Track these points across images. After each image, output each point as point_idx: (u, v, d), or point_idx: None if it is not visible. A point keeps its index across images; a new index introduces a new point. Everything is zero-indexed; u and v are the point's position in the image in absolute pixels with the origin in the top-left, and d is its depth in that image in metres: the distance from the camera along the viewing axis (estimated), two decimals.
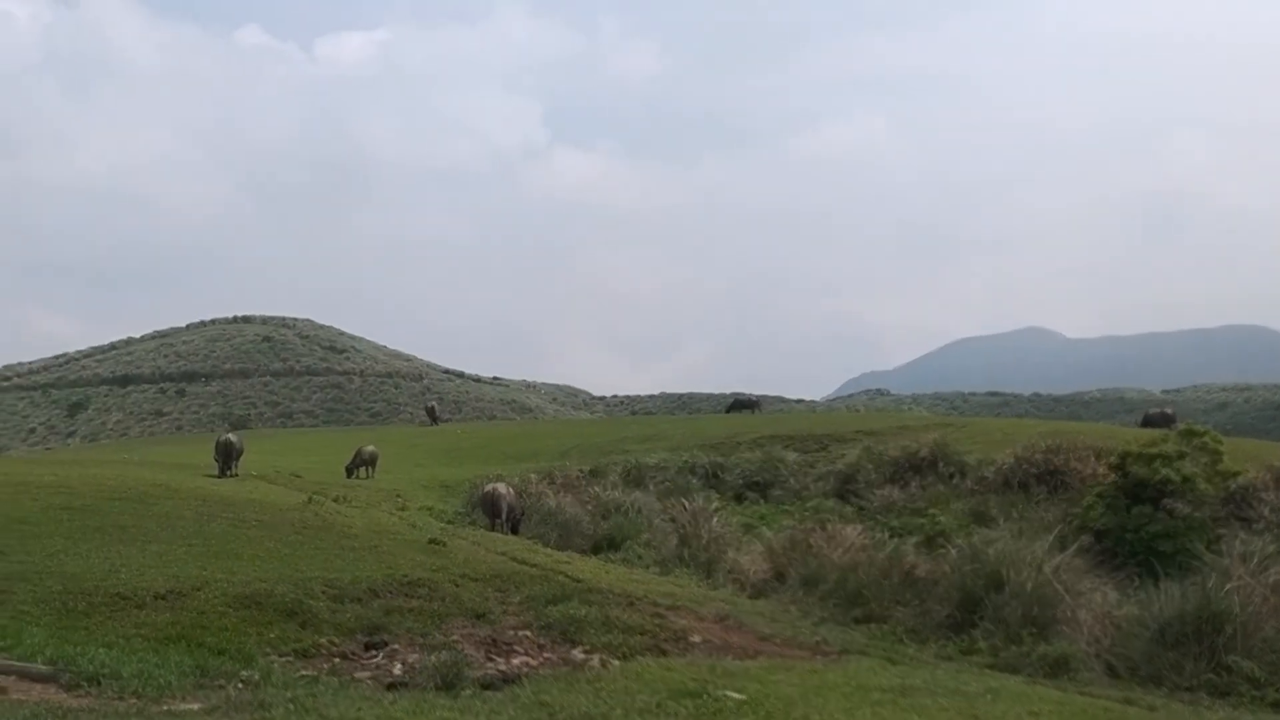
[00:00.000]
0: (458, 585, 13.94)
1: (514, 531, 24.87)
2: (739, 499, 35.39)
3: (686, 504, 25.22)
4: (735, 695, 8.05)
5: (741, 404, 64.59)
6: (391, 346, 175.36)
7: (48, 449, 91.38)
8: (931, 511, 30.68)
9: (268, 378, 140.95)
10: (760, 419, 54.86)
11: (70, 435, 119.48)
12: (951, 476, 33.60)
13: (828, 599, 17.71)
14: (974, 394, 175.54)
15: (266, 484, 30.75)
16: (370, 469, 36.82)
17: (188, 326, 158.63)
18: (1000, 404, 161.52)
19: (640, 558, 23.13)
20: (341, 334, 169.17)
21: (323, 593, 12.51)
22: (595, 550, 24.35)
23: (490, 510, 25.01)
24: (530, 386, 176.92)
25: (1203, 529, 26.76)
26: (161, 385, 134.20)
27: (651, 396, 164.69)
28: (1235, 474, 27.57)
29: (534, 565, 17.05)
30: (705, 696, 7.99)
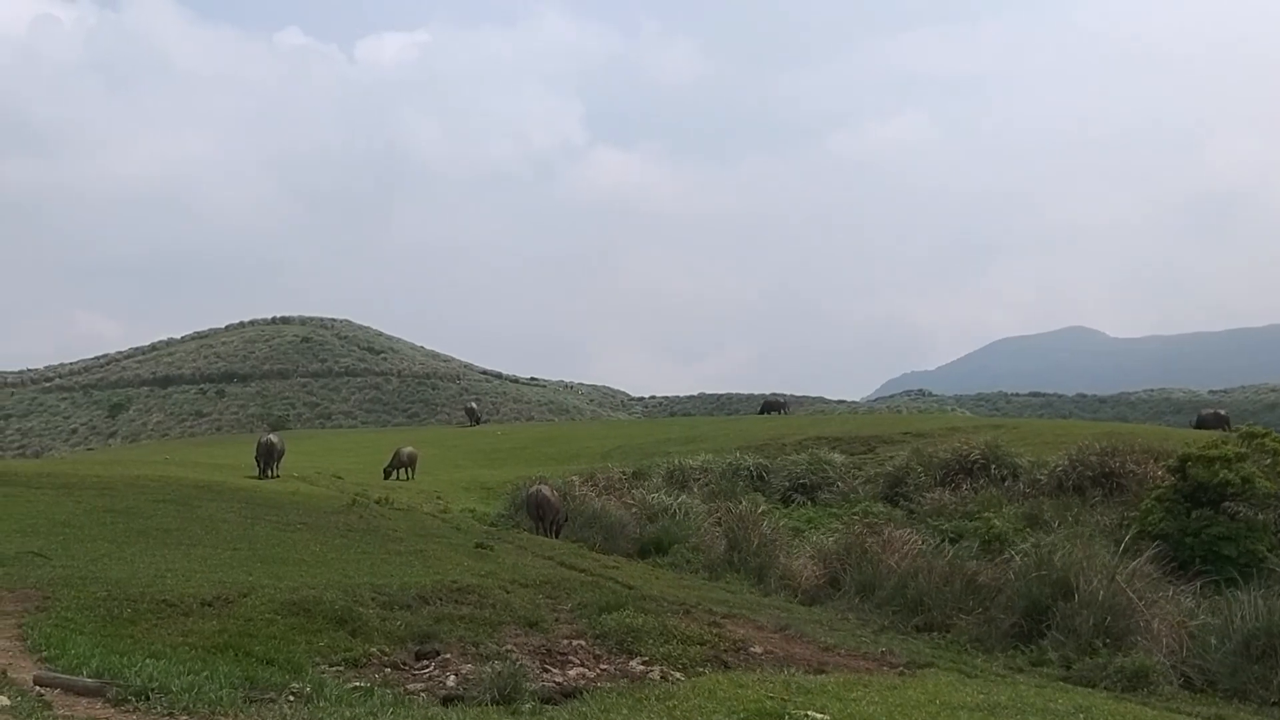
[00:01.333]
0: (508, 592, 13.50)
1: (556, 535, 24.48)
2: (786, 502, 34.85)
3: (733, 507, 24.65)
4: (819, 716, 7.53)
5: (771, 405, 64.14)
6: (429, 347, 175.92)
7: (89, 449, 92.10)
8: (985, 515, 30.06)
9: (306, 378, 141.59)
10: (805, 420, 54.31)
11: (111, 436, 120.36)
12: (1004, 479, 32.87)
13: (885, 606, 17.17)
14: (1017, 395, 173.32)
15: (308, 485, 30.58)
16: (409, 470, 36.59)
17: (227, 327, 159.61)
18: (1043, 405, 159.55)
19: (688, 562, 22.67)
20: (379, 335, 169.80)
21: (372, 599, 12.09)
22: (641, 554, 23.91)
23: (535, 513, 24.60)
24: (568, 387, 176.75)
25: (1265, 532, 26.03)
26: (201, 386, 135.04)
27: (690, 398, 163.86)
28: None
29: (583, 570, 16.63)
30: (787, 718, 7.47)
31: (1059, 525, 27.99)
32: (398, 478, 35.73)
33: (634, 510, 27.41)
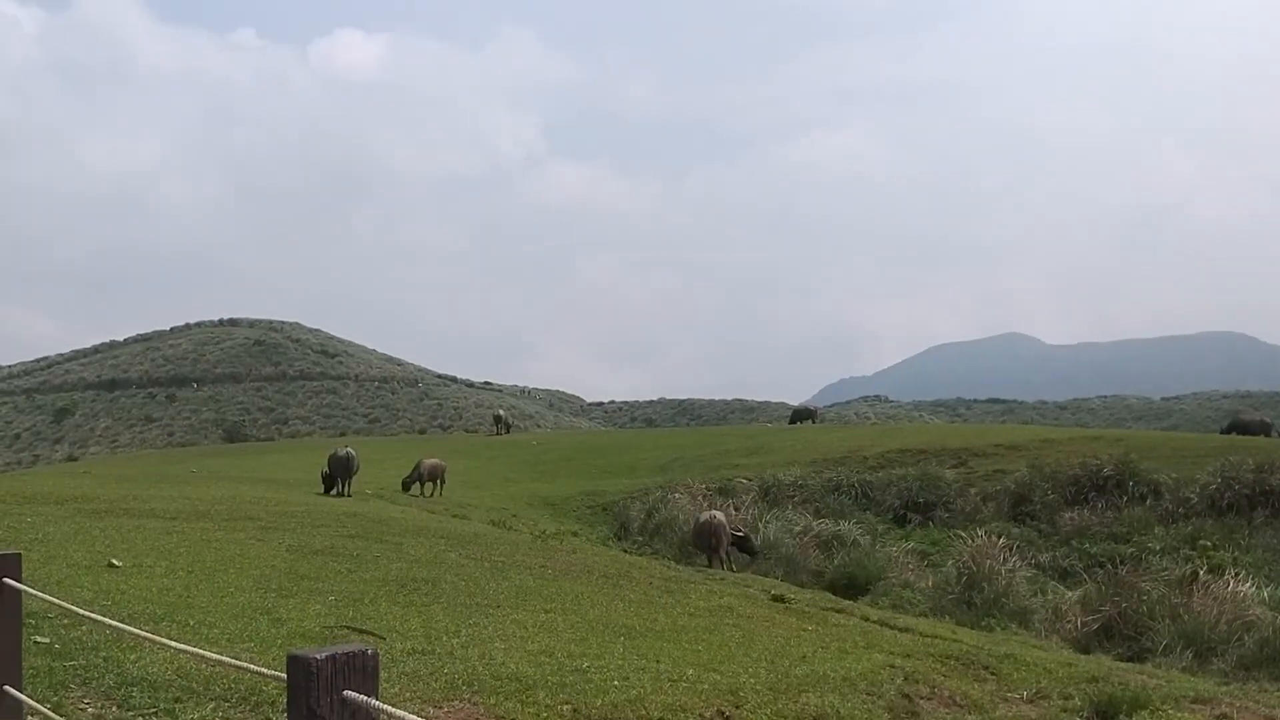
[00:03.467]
0: (944, 678, 10.32)
1: (728, 565, 21.38)
2: (900, 522, 32.06)
3: (970, 537, 21.66)
4: None
5: (802, 414, 61.85)
6: (382, 351, 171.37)
7: (61, 463, 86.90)
8: (1139, 538, 27.52)
9: (260, 383, 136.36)
10: (875, 430, 52.00)
11: (58, 442, 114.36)
12: (1143, 497, 30.31)
13: (1258, 669, 14.21)
14: (976, 400, 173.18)
15: (394, 505, 27.16)
16: (437, 485, 32.89)
17: (173, 330, 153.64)
18: (1005, 411, 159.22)
19: (909, 603, 19.64)
20: (332, 338, 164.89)
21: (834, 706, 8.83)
22: (834, 590, 20.85)
23: (708, 542, 21.42)
24: (524, 392, 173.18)
25: None
26: (150, 390, 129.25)
27: (651, 403, 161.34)
28: None
29: (908, 630, 13.49)
30: None
31: (1228, 549, 25.71)
32: (424, 493, 31.94)
33: (804, 538, 24.31)
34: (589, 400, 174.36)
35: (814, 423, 58.64)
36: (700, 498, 31.77)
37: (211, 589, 10.61)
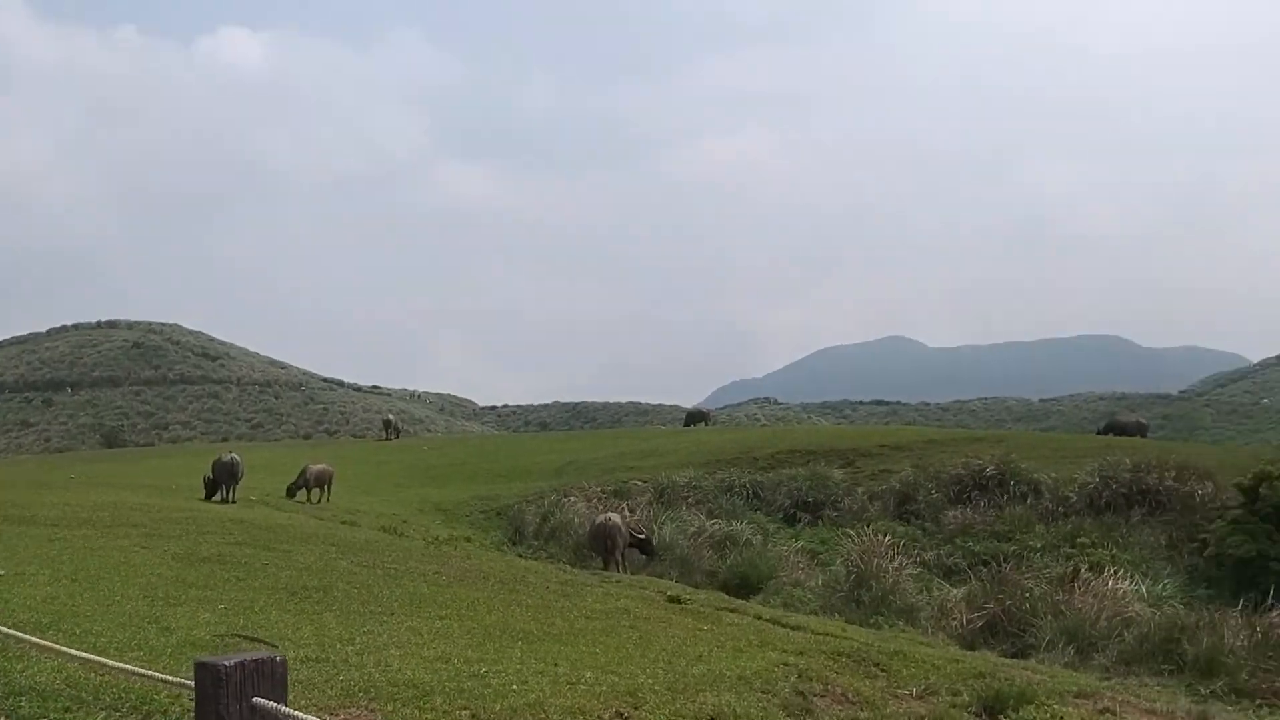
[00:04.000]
0: (837, 675, 10.49)
1: (622, 568, 21.42)
2: (790, 521, 32.50)
3: (859, 536, 22.01)
4: None
5: (696, 417, 62.31)
6: (264, 354, 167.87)
7: None
8: (1020, 536, 28.28)
9: (139, 386, 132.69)
10: (766, 433, 52.56)
11: None
12: (1024, 496, 31.14)
13: (1140, 664, 14.69)
14: (861, 402, 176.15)
15: (281, 512, 26.64)
16: (323, 491, 32.20)
17: (50, 332, 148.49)
18: (889, 413, 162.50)
19: (804, 602, 19.91)
20: (213, 341, 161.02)
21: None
22: (727, 590, 21.02)
23: (604, 545, 21.43)
24: (414, 396, 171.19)
25: None
26: (26, 394, 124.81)
27: (545, 406, 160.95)
28: None
29: (801, 629, 13.68)
30: None
31: (1106, 546, 26.53)
32: (310, 500, 31.24)
33: (699, 539, 24.48)
34: (482, 404, 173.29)
35: (707, 425, 59.12)
36: (595, 501, 31.82)
37: (97, 597, 10.31)
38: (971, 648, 17.20)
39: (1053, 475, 31.68)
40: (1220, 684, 13.49)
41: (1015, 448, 35.24)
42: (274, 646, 8.90)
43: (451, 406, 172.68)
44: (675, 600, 14.25)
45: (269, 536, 16.67)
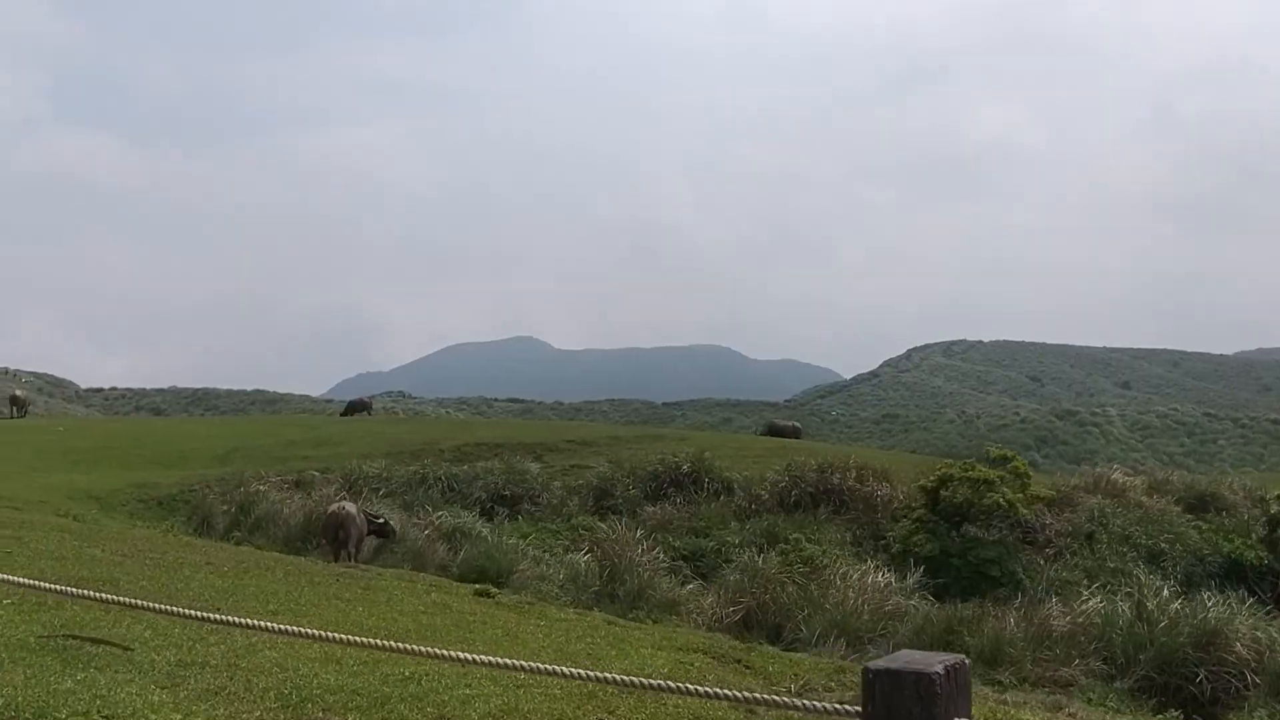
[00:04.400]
0: (730, 676, 9.95)
1: (355, 557, 19.95)
2: (487, 515, 31.62)
3: (608, 530, 21.46)
4: None
5: (357, 406, 60.06)
6: None
7: None
8: (718, 531, 28.92)
9: None
10: (450, 424, 51.27)
11: None
12: (718, 493, 31.95)
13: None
14: (497, 399, 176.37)
15: None
16: None
17: None
18: (524, 410, 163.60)
19: (553, 596, 19.20)
20: None
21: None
22: (465, 583, 20.00)
23: (335, 536, 19.80)
24: (7, 373, 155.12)
25: (1016, 552, 27.14)
26: None
27: (160, 390, 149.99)
28: (1043, 498, 28.15)
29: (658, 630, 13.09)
30: None
31: (805, 543, 27.60)
32: None
33: (427, 532, 23.16)
34: (84, 386, 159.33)
35: (369, 414, 57.10)
36: (282, 489, 29.70)
37: None
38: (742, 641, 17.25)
39: (744, 474, 32.69)
40: (1007, 673, 14.11)
41: (703, 446, 36.08)
42: (129, 649, 7.32)
43: (50, 387, 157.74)
44: (485, 595, 13.22)
45: None
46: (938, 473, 27.92)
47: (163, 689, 6.23)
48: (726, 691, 4.33)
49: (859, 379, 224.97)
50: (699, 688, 4.68)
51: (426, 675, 7.24)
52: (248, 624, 5.59)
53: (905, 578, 20.93)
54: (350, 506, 20.20)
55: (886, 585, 18.97)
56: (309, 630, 5.34)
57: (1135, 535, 28.21)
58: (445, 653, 4.94)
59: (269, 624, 4.71)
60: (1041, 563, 26.94)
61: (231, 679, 6.60)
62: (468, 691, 6.82)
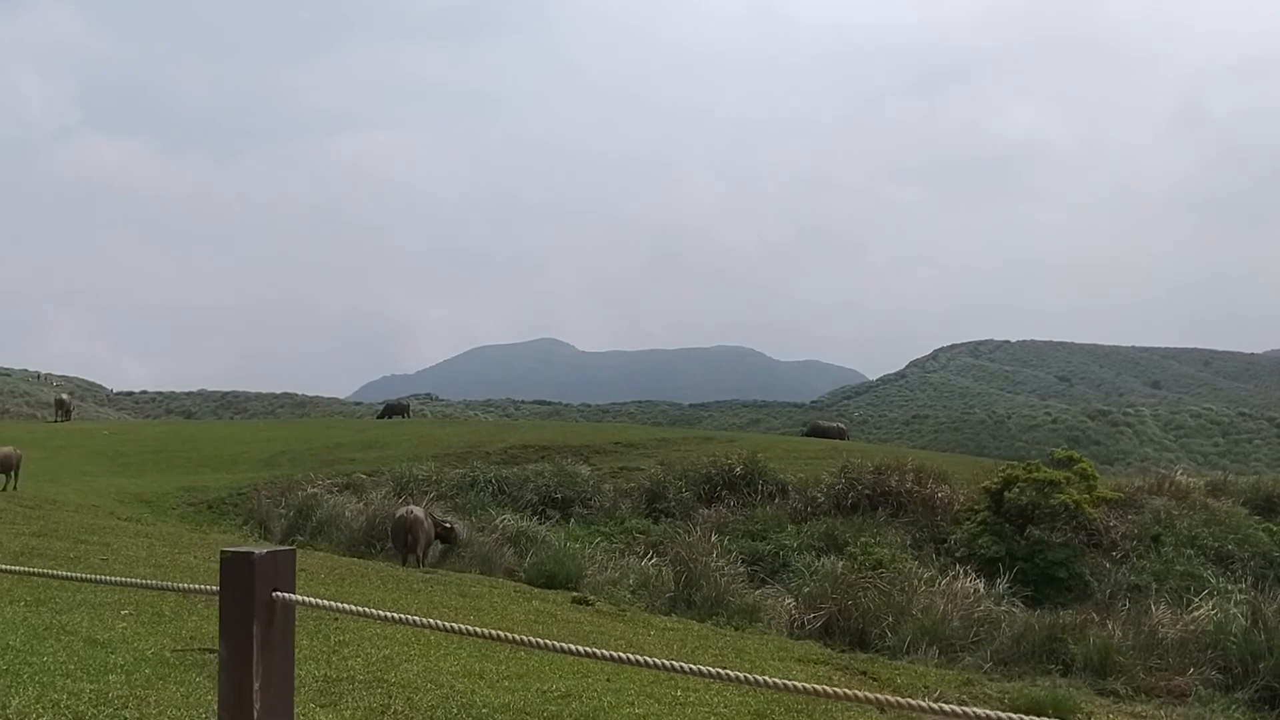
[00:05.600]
0: (862, 688, 9.58)
1: (421, 563, 19.67)
2: (538, 517, 31.32)
3: (684, 535, 21.10)
4: None
5: (395, 409, 59.92)
6: None
7: None
8: (775, 535, 28.51)
9: None
10: (492, 426, 51.05)
11: None
12: (773, 496, 31.51)
13: (1015, 665, 14.64)
14: (524, 402, 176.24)
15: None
16: (10, 477, 28.27)
17: None
18: (551, 412, 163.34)
19: (627, 603, 18.84)
20: None
21: None
22: (533, 586, 19.70)
23: (404, 540, 19.53)
24: (40, 378, 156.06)
25: (1082, 555, 26.64)
26: None
27: (190, 394, 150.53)
28: (1108, 499, 27.64)
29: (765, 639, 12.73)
30: None
31: (874, 547, 27.13)
32: None
33: (493, 534, 22.88)
34: (115, 389, 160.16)
35: (406, 417, 56.92)
36: (332, 492, 29.49)
37: None
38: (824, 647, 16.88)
39: (798, 476, 32.26)
40: (1119, 683, 13.66)
41: (754, 448, 35.66)
42: None
43: (82, 391, 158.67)
44: (583, 603, 12.91)
45: (55, 526, 13.84)
46: (1001, 474, 27.45)
47: (322, 708, 5.92)
48: (901, 700, 4.00)
49: (886, 379, 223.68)
50: (875, 696, 4.30)
51: (585, 692, 6.92)
52: (442, 626, 5.28)
53: (992, 583, 20.42)
54: (419, 510, 19.94)
55: (975, 592, 18.46)
56: (498, 633, 5.03)
57: (1201, 537, 27.66)
58: (620, 656, 4.62)
59: (457, 625, 4.37)
60: (1108, 566, 26.45)
61: (390, 696, 6.29)
62: (635, 710, 6.48)
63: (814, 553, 26.92)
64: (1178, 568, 26.09)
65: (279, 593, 3.28)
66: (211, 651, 7.22)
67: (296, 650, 3.64)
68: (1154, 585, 25.31)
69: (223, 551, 3.34)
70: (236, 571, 3.19)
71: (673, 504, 31.59)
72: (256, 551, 3.33)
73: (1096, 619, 15.69)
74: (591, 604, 13.02)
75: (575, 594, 13.73)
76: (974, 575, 20.25)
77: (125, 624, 7.82)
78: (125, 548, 12.51)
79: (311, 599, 3.71)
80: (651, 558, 21.99)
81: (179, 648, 7.16)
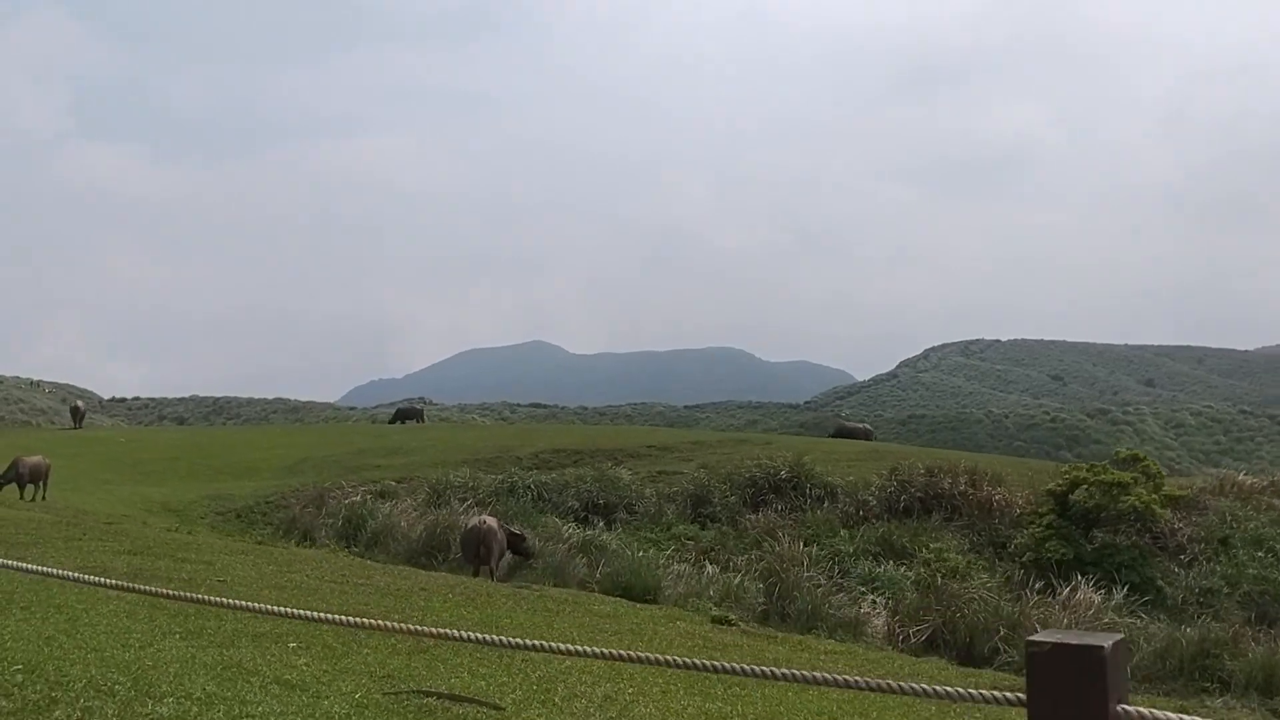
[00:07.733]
0: None
1: (493, 574, 18.74)
2: (581, 523, 30.37)
3: (774, 545, 20.17)
4: None
5: (407, 414, 58.86)
6: None
7: None
8: (831, 540, 27.61)
9: None
10: (519, 430, 50.09)
11: None
12: (821, 500, 30.59)
13: (1167, 680, 13.80)
14: (520, 405, 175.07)
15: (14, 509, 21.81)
16: (39, 487, 27.65)
17: None
18: (548, 415, 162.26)
19: (727, 611, 17.94)
20: None
21: None
22: (608, 596, 18.78)
23: (476, 551, 18.59)
24: (35, 384, 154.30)
25: (1150, 558, 25.83)
26: None
27: (182, 400, 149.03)
28: (1175, 500, 26.84)
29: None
30: None
31: (919, 550, 26.27)
32: (20, 496, 26.80)
33: (561, 544, 21.94)
34: (106, 396, 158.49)
35: (419, 422, 55.91)
36: (370, 500, 28.51)
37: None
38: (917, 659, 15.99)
39: (847, 479, 31.37)
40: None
41: (798, 451, 34.76)
42: (500, 709, 6.08)
43: (73, 397, 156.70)
44: (724, 622, 11.98)
45: (150, 546, 12.87)
46: (1066, 475, 26.66)
47: None
48: None
49: (878, 379, 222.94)
50: None
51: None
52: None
53: (1110, 594, 19.56)
54: (492, 521, 19.01)
55: (1097, 602, 17.59)
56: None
57: (1270, 539, 26.88)
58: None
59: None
60: (1176, 569, 25.66)
61: None
62: None
63: (871, 558, 26.08)
64: (1250, 571, 25.32)
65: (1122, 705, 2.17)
66: (426, 694, 6.29)
67: None
68: (1225, 589, 24.58)
69: (1030, 641, 2.23)
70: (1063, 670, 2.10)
71: (718, 508, 30.68)
72: (1104, 644, 2.14)
73: (1250, 633, 14.82)
74: (733, 624, 12.08)
75: (715, 613, 12.79)
76: (1048, 580, 19.29)
77: (304, 660, 6.88)
78: (229, 566, 11.55)
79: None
80: (704, 564, 21.11)
81: (388, 690, 6.22)
